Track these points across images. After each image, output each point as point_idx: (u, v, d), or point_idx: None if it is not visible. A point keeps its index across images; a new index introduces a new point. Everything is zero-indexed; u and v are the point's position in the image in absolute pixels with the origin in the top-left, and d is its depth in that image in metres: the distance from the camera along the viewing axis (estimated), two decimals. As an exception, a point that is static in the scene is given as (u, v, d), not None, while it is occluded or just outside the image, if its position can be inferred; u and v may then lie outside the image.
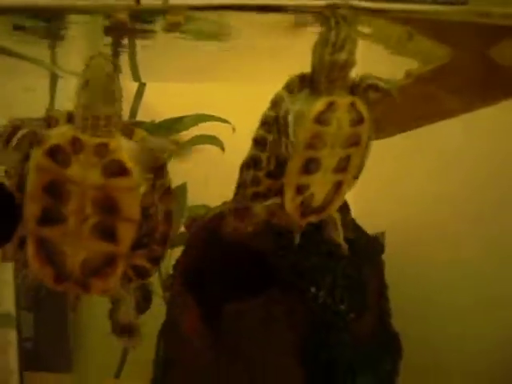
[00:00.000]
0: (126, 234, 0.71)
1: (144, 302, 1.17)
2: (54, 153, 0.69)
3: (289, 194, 0.77)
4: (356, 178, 0.81)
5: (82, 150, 0.69)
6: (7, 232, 0.74)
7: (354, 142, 0.76)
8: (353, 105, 0.75)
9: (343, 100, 0.74)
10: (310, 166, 0.76)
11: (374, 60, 0.97)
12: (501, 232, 1.33)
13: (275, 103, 0.75)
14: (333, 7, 0.73)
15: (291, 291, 0.98)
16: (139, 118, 1.37)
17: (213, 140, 1.26)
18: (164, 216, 0.75)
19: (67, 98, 1.31)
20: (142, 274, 0.75)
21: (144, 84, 1.36)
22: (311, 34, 0.88)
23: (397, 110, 0.87)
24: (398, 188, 1.26)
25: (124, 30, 1.05)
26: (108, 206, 0.70)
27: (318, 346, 0.98)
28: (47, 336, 1.28)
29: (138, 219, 0.71)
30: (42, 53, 1.20)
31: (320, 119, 0.73)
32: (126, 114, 1.27)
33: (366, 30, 0.91)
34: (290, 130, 0.73)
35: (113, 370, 1.51)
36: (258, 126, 0.77)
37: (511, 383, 1.28)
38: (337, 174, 0.77)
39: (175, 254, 1.17)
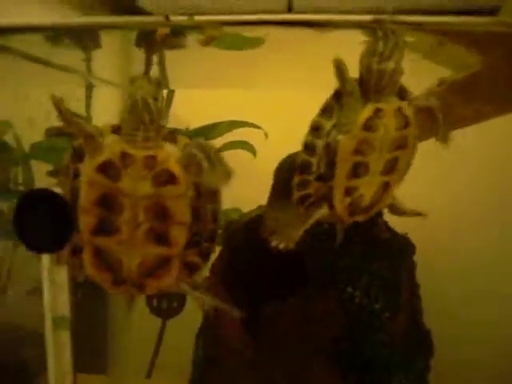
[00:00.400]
0: (179, 236, 0.75)
1: (178, 304, 1.22)
2: (105, 168, 0.73)
3: (338, 196, 0.81)
4: (402, 177, 0.84)
5: (131, 164, 0.72)
6: (62, 238, 0.78)
7: (401, 144, 0.80)
8: (399, 110, 0.78)
9: (390, 106, 0.78)
10: (358, 170, 0.79)
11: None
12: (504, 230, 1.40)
13: (315, 129, 0.79)
14: (379, 22, 0.76)
15: (327, 291, 1.01)
16: (168, 125, 1.42)
17: (245, 145, 1.29)
18: (211, 215, 0.79)
19: (103, 106, 1.36)
20: (193, 269, 0.80)
21: (173, 91, 1.40)
22: (334, 40, 0.92)
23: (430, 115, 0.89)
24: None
25: (160, 37, 1.09)
26: (160, 213, 0.74)
27: (353, 346, 1.01)
28: (84, 339, 1.32)
29: (188, 222, 0.75)
30: (78, 62, 1.24)
31: (367, 126, 0.77)
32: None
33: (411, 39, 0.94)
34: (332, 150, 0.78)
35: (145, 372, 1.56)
36: (308, 132, 0.80)
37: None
38: (384, 175, 0.81)
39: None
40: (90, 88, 1.34)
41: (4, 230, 1.23)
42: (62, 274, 0.86)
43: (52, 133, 1.30)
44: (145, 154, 0.73)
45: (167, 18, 0.84)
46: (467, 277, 1.44)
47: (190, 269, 0.80)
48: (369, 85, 0.78)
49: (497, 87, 0.95)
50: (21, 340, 1.39)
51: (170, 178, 0.73)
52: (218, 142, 1.27)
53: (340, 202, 0.81)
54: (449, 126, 0.93)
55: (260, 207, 1.13)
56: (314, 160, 0.80)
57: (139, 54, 1.23)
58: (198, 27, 0.89)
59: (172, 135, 0.77)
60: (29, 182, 1.24)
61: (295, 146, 0.87)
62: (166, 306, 1.32)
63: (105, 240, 0.75)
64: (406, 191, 0.86)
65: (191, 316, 1.23)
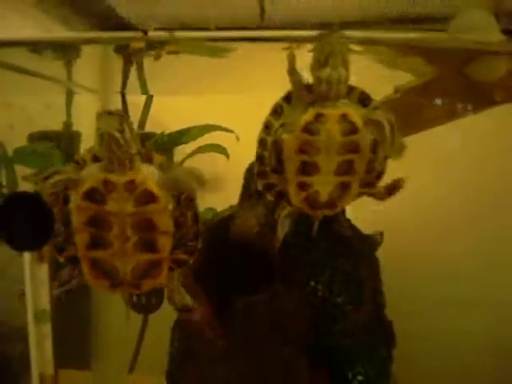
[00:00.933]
0: (165, 243, 0.84)
1: (156, 300, 1.28)
2: (91, 195, 0.81)
3: (292, 190, 0.88)
4: (378, 178, 0.90)
5: (114, 189, 0.81)
6: (43, 238, 0.84)
7: (352, 149, 0.86)
8: (344, 116, 0.84)
9: (333, 112, 0.84)
10: (307, 168, 0.86)
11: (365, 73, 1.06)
12: (496, 231, 1.42)
13: (266, 127, 0.88)
14: (324, 36, 0.83)
15: (294, 286, 1.08)
16: (147, 129, 1.48)
17: (218, 148, 1.36)
18: (192, 219, 0.88)
19: (84, 112, 1.41)
20: (181, 264, 0.89)
21: (151, 96, 1.47)
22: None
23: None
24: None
25: (134, 51, 1.16)
26: (145, 226, 0.83)
27: (319, 336, 1.08)
28: (67, 334, 1.37)
29: (172, 230, 0.84)
30: (59, 71, 1.30)
31: (308, 129, 0.84)
32: (134, 125, 1.38)
33: (357, 48, 1.01)
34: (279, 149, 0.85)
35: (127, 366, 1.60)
36: (261, 129, 0.89)
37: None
38: (340, 176, 0.87)
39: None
40: (70, 95, 1.40)
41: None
42: (43, 270, 0.92)
43: (34, 138, 1.36)
44: (124, 180, 0.81)
45: (145, 32, 0.91)
46: (454, 280, 1.47)
47: (178, 264, 0.89)
48: (314, 90, 0.85)
49: (446, 93, 1.03)
50: (5, 336, 1.45)
51: (150, 198, 0.82)
52: (191, 146, 1.35)
53: (295, 196, 0.89)
54: (410, 130, 1.00)
55: (231, 207, 1.20)
56: (266, 154, 0.88)
57: (119, 61, 1.30)
58: (174, 41, 0.95)
59: (147, 155, 0.85)
60: (12, 185, 1.29)
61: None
62: (145, 302, 1.38)
63: (99, 253, 0.83)
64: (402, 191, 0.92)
65: (171, 311, 1.30)
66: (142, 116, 1.42)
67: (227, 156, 1.35)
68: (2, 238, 0.83)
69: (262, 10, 1.09)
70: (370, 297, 1.14)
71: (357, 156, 0.86)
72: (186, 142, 1.27)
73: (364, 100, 0.87)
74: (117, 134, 0.79)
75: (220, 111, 1.46)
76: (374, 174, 0.90)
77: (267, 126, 0.89)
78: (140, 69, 1.34)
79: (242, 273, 1.10)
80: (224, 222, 1.13)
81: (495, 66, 0.96)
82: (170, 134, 1.27)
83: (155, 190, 0.82)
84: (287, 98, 0.88)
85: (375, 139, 0.86)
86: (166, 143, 1.25)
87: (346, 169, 0.87)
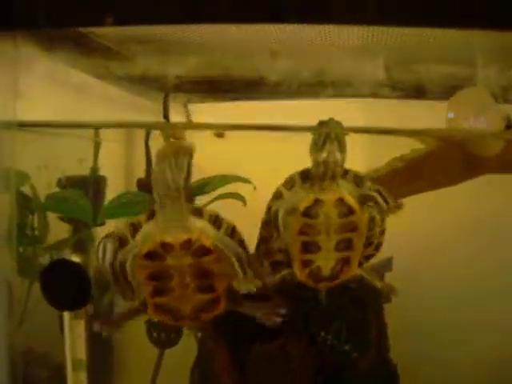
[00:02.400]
0: (222, 283, 0.92)
1: (176, 335, 1.37)
2: (151, 256, 0.87)
3: (296, 266, 0.96)
4: (377, 250, 1.00)
5: (171, 249, 0.87)
6: (81, 300, 0.94)
7: (350, 228, 0.94)
8: (341, 200, 0.92)
9: (330, 197, 0.92)
10: (309, 248, 0.94)
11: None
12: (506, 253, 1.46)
13: (276, 197, 0.95)
14: (323, 126, 0.91)
15: (304, 335, 1.17)
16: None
17: (235, 196, 1.45)
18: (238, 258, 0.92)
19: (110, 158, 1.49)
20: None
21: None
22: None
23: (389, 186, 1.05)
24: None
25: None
26: (203, 274, 0.90)
27: (327, 381, 1.17)
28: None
29: (228, 271, 0.90)
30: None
31: (307, 213, 0.92)
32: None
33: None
34: (280, 227, 0.92)
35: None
36: (266, 211, 0.97)
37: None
38: (340, 252, 0.95)
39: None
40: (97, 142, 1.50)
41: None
42: (80, 325, 1.02)
43: (62, 182, 1.45)
44: (181, 241, 0.87)
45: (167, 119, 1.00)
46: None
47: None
48: (312, 173, 0.93)
49: (447, 163, 1.12)
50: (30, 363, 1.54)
51: (205, 252, 0.89)
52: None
53: (299, 272, 0.97)
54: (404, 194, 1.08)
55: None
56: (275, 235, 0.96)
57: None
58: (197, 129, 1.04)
59: (198, 210, 0.92)
60: (43, 228, 1.39)
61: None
62: (165, 338, 1.47)
63: (162, 299, 0.91)
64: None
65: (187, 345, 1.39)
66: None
67: (244, 203, 1.43)
68: (45, 299, 0.93)
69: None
70: (375, 340, 1.23)
71: (355, 234, 0.94)
72: (207, 192, 1.36)
73: (358, 181, 0.96)
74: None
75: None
76: (372, 247, 0.99)
77: (269, 209, 0.96)
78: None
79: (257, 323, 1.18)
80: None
81: (492, 145, 1.05)
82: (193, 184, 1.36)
83: (209, 244, 0.88)
84: (287, 185, 0.96)
85: (371, 217, 0.94)
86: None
87: (345, 246, 0.95)
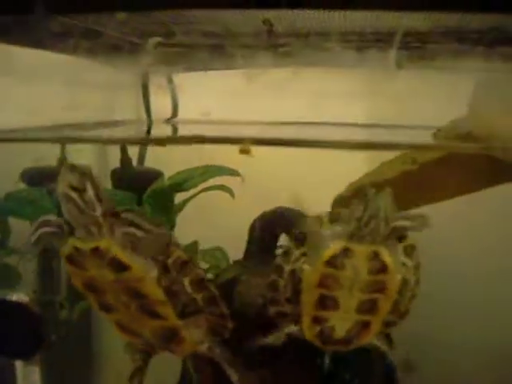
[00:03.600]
0: (167, 311, 0.81)
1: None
2: (72, 259, 0.78)
3: (306, 322, 0.83)
4: (401, 318, 0.85)
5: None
6: (34, 347, 0.80)
7: (377, 288, 0.79)
8: (375, 254, 0.77)
9: (361, 248, 0.77)
10: (325, 302, 0.80)
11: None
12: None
13: (285, 253, 0.84)
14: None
15: (302, 360, 1.03)
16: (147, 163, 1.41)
17: (222, 188, 1.28)
18: (194, 284, 0.84)
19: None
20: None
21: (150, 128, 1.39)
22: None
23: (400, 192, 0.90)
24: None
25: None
26: (137, 294, 0.79)
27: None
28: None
29: (164, 299, 0.79)
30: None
31: (332, 262, 0.78)
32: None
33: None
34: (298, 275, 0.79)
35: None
36: (278, 255, 0.84)
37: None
38: (361, 314, 0.81)
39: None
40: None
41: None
42: (35, 372, 0.89)
43: (26, 174, 1.29)
44: (91, 246, 0.77)
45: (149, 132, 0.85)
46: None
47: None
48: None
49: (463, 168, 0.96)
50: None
51: (121, 266, 0.77)
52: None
53: (309, 329, 0.83)
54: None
55: (235, 264, 1.15)
56: (281, 281, 0.82)
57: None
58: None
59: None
60: (5, 230, 1.24)
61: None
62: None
63: (112, 316, 0.82)
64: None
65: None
66: (141, 150, 1.35)
67: (232, 195, 1.28)
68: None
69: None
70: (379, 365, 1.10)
71: (382, 296, 0.80)
72: (187, 190, 1.20)
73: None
74: (73, 195, 0.74)
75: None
76: (397, 314, 0.84)
77: (286, 253, 0.83)
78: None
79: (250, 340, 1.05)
80: (228, 286, 1.07)
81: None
82: (170, 180, 1.20)
83: (124, 258, 0.77)
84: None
85: (404, 279, 0.80)
86: (166, 191, 1.18)
87: (369, 308, 0.81)
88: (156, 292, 0.79)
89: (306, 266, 0.80)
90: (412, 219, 0.79)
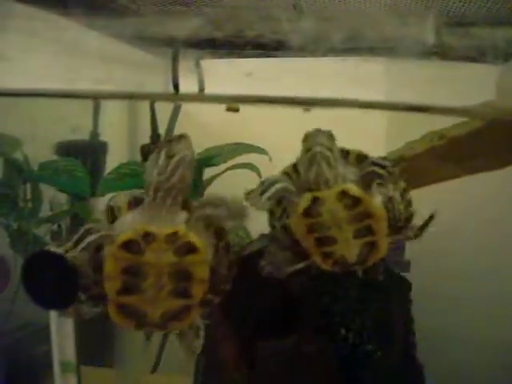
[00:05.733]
0: (199, 291, 0.81)
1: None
2: (128, 246, 0.76)
3: (317, 258, 0.86)
4: (408, 221, 0.88)
5: (154, 241, 0.76)
6: (68, 298, 0.82)
7: (364, 217, 0.83)
8: (343, 193, 0.82)
9: (330, 192, 0.82)
10: (324, 242, 0.84)
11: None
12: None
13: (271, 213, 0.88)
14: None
15: (323, 332, 1.05)
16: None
17: (250, 166, 1.31)
18: (228, 266, 0.86)
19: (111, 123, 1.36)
20: (207, 305, 0.85)
21: (179, 105, 1.41)
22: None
23: (427, 168, 0.91)
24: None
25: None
26: (182, 276, 0.79)
27: (348, 382, 1.06)
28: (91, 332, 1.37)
29: (207, 278, 0.81)
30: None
31: (308, 213, 0.82)
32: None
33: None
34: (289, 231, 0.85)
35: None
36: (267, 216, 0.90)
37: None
38: (361, 239, 0.84)
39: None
40: (97, 105, 1.35)
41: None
42: (69, 324, 0.90)
43: (61, 147, 1.32)
44: (166, 232, 0.77)
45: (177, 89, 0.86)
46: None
47: (206, 305, 0.86)
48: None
49: (495, 143, 0.96)
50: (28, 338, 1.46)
51: (191, 249, 0.78)
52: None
53: (323, 264, 0.86)
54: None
55: (261, 237, 1.16)
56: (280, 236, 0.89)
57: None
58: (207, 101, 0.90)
59: (187, 202, 0.81)
60: (37, 199, 1.27)
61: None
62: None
63: (130, 298, 0.79)
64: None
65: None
66: (170, 124, 1.37)
67: (260, 175, 1.30)
68: (27, 295, 0.81)
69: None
70: (400, 338, 1.11)
71: (372, 220, 0.84)
72: (216, 164, 1.22)
73: (362, 161, 0.85)
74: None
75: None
76: (402, 221, 0.87)
77: (271, 213, 0.88)
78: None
79: (271, 313, 1.07)
80: (252, 259, 1.09)
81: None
82: (199, 155, 1.22)
83: (197, 241, 0.78)
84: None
85: (388, 197, 0.85)
86: (196, 165, 1.20)
87: (365, 232, 0.85)
88: (204, 273, 0.80)
89: (289, 221, 0.84)
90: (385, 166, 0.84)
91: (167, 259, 0.77)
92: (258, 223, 1.18)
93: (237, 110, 0.93)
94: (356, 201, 0.83)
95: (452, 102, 0.99)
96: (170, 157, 0.77)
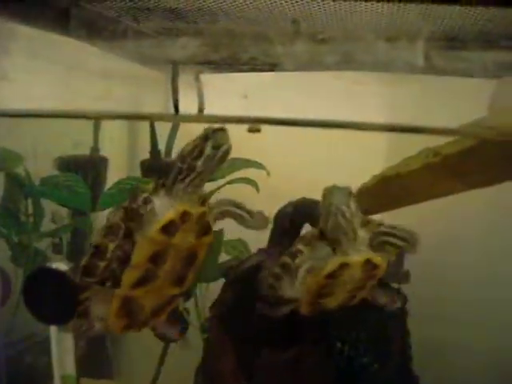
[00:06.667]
0: (192, 278, 0.86)
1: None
2: (168, 228, 0.80)
3: (304, 305, 0.92)
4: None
5: (188, 221, 0.81)
6: (68, 314, 0.84)
7: (369, 278, 0.89)
8: (368, 261, 0.86)
9: (356, 259, 0.85)
10: (323, 295, 0.90)
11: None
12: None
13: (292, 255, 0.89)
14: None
15: (320, 345, 1.06)
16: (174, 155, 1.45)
17: (248, 181, 1.32)
18: None
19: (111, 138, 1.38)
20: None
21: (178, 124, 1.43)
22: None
23: (422, 184, 0.93)
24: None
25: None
26: (190, 260, 0.84)
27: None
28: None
29: (201, 262, 0.86)
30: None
31: (331, 276, 0.86)
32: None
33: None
34: (298, 284, 0.87)
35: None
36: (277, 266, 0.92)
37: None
38: (351, 293, 0.90)
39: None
40: (97, 122, 1.38)
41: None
42: (68, 339, 0.92)
43: (62, 162, 1.34)
44: (199, 211, 0.82)
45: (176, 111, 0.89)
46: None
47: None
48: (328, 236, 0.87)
49: (487, 161, 0.98)
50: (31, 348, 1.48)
51: (207, 230, 0.84)
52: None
53: (307, 310, 0.92)
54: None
55: (260, 252, 1.18)
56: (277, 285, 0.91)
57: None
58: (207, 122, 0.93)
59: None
60: (39, 214, 1.29)
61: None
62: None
63: (139, 290, 0.83)
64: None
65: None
66: (169, 141, 1.39)
67: (257, 189, 1.32)
68: (28, 310, 0.83)
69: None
70: (397, 351, 1.12)
71: (372, 279, 0.90)
72: (214, 180, 1.24)
73: (366, 224, 0.88)
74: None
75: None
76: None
77: (293, 254, 0.90)
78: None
79: (267, 329, 1.09)
80: (252, 272, 1.11)
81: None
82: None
83: (212, 223, 0.84)
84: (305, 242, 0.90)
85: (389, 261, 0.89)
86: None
87: (359, 288, 0.91)
88: (203, 255, 0.85)
89: (309, 280, 0.87)
90: (404, 239, 0.85)
91: (189, 240, 0.82)
92: (257, 238, 1.21)
93: (258, 131, 0.95)
94: (375, 267, 0.87)
95: (446, 116, 1.01)
96: (216, 147, 0.81)
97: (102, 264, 0.82)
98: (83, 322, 0.85)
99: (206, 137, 0.81)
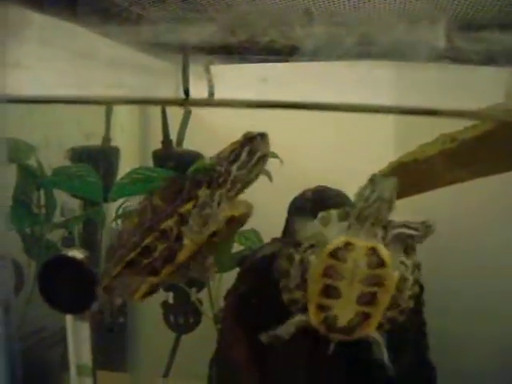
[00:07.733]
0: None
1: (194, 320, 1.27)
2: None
3: (311, 309, 0.89)
4: (401, 314, 0.91)
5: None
6: (85, 302, 0.83)
7: (376, 282, 0.86)
8: (373, 250, 0.84)
9: (363, 243, 0.84)
10: (329, 291, 0.87)
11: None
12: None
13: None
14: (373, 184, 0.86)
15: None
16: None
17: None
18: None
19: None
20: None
21: (190, 111, 1.42)
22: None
23: (439, 171, 0.92)
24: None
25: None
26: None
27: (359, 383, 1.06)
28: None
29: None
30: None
31: (335, 255, 0.85)
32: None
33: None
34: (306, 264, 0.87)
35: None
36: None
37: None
38: (361, 305, 0.87)
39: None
40: (109, 109, 1.37)
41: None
42: (85, 328, 0.92)
43: (75, 152, 1.34)
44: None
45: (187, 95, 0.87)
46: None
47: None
48: (353, 215, 0.86)
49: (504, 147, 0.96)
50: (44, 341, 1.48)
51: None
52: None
53: (314, 315, 0.89)
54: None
55: (274, 241, 1.17)
56: (292, 270, 0.89)
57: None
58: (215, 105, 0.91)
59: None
60: (51, 205, 1.28)
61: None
62: (183, 322, 1.38)
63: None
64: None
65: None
66: (180, 132, 1.38)
67: (270, 179, 1.30)
68: (44, 300, 0.82)
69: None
70: (413, 341, 1.11)
71: (380, 290, 0.87)
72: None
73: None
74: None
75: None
76: (397, 310, 0.90)
77: (296, 243, 0.89)
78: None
79: (281, 319, 1.08)
80: (266, 262, 1.09)
81: None
82: (211, 160, 1.23)
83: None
84: (323, 221, 0.89)
85: (403, 277, 0.87)
86: (208, 169, 1.20)
87: (368, 300, 0.88)
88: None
89: (312, 257, 0.86)
90: (416, 228, 0.86)
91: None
92: (271, 227, 1.20)
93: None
94: (380, 263, 0.85)
95: (462, 105, 1.00)
96: (252, 153, 0.83)
97: (146, 261, 0.87)
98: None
99: (244, 142, 0.81)
